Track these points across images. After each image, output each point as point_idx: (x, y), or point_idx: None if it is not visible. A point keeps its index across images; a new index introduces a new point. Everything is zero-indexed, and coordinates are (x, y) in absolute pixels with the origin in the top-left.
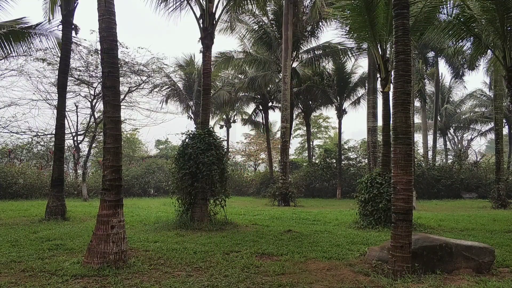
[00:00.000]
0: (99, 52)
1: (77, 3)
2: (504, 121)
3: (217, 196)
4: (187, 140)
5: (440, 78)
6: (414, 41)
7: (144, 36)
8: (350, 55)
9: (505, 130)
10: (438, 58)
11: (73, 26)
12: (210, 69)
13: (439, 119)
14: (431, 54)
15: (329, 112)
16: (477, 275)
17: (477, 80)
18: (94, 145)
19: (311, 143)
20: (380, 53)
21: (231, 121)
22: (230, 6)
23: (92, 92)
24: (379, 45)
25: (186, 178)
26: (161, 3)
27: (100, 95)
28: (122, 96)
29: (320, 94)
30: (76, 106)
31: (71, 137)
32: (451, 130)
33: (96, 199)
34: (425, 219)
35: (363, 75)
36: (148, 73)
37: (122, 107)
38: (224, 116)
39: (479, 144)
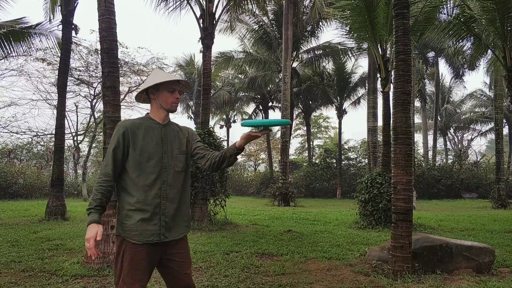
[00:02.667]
0: (99, 52)
1: (77, 3)
2: (504, 121)
3: (217, 196)
4: None
5: (440, 78)
6: (414, 41)
7: (143, 35)
8: (350, 55)
9: (505, 130)
10: (438, 58)
11: (73, 26)
12: (210, 69)
13: (439, 119)
14: (431, 54)
15: (329, 112)
16: (477, 275)
17: (477, 80)
18: (94, 145)
19: (311, 143)
20: (380, 53)
21: (231, 121)
22: (230, 6)
23: (92, 92)
24: (379, 45)
25: None
26: (160, 2)
27: (100, 95)
28: (122, 96)
29: (320, 94)
30: (76, 106)
31: (71, 137)
32: (451, 130)
33: None
34: (425, 219)
35: (363, 75)
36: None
37: (122, 107)
38: (224, 116)
39: (479, 144)
